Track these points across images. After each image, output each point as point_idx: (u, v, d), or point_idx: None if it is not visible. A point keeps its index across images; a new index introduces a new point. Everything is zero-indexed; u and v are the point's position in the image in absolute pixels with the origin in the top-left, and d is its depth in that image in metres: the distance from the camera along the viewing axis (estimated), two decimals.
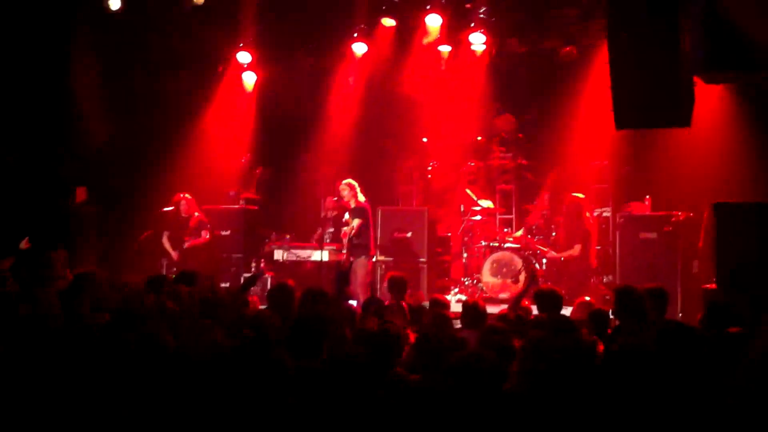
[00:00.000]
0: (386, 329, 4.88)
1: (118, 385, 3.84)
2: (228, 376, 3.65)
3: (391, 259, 11.16)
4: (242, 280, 7.62)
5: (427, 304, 7.38)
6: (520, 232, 11.09)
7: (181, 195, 10.90)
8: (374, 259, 10.88)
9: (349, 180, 10.39)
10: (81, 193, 11.33)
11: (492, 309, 7.74)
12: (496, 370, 3.83)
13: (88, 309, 6.39)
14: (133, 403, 3.73)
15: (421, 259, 11.14)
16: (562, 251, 10.55)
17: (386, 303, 6.98)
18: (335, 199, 10.60)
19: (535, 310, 6.74)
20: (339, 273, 9.65)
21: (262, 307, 7.22)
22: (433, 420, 3.47)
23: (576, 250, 9.79)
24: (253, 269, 11.14)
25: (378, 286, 10.35)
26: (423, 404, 3.53)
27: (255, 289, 10.78)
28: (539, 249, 10.58)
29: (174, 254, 10.62)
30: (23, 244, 8.29)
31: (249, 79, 12.77)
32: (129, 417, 3.66)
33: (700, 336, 4.41)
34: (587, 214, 10.58)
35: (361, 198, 10.25)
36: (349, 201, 10.24)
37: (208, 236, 10.74)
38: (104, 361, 4.09)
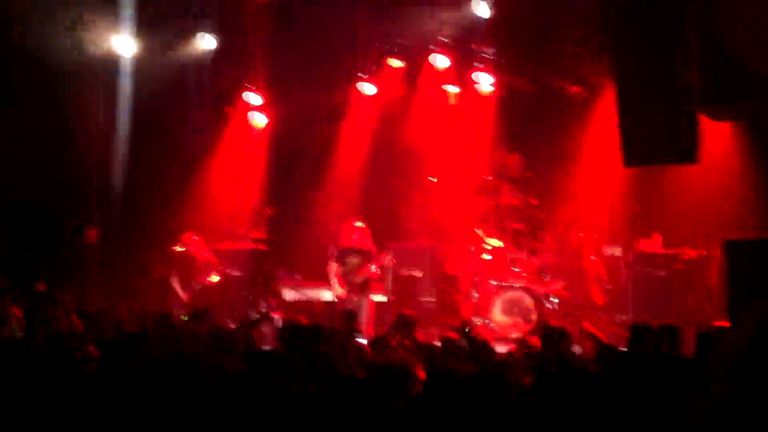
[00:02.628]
0: (389, 363, 4.87)
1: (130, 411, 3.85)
2: (237, 400, 3.65)
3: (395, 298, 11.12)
4: (249, 320, 7.61)
5: (438, 343, 7.32)
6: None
7: (190, 236, 10.91)
8: (384, 299, 10.88)
9: (360, 223, 10.47)
10: (92, 234, 11.36)
11: (503, 348, 7.69)
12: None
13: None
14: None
15: (430, 299, 11.09)
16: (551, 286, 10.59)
17: (394, 342, 6.94)
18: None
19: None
20: (346, 312, 9.62)
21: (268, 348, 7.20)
22: None
23: (558, 286, 9.90)
24: (264, 308, 11.08)
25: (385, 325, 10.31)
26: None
27: (265, 329, 10.76)
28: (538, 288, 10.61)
29: (184, 295, 10.59)
30: (39, 287, 8.28)
31: (258, 120, 12.88)
32: None
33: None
34: (592, 256, 10.52)
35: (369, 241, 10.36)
36: (356, 243, 10.29)
37: (218, 278, 10.72)
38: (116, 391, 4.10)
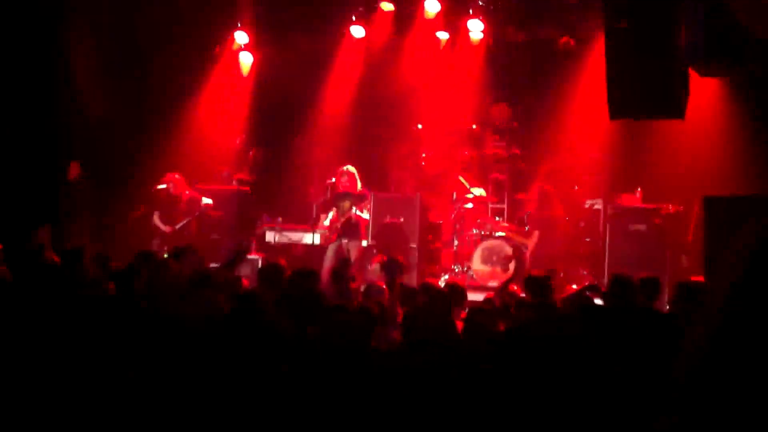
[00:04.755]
0: (364, 308, 4.95)
1: (120, 353, 3.90)
2: (225, 341, 3.70)
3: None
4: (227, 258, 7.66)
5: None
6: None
7: (171, 175, 10.93)
8: (365, 244, 10.98)
9: (350, 167, 10.58)
10: (75, 168, 11.26)
11: (480, 296, 7.80)
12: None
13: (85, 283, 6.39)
14: (132, 369, 3.78)
15: (412, 245, 11.16)
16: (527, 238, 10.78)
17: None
18: (332, 180, 10.69)
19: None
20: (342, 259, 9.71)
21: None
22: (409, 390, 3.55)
23: (535, 236, 10.18)
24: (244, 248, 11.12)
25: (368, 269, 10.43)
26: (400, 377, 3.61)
27: (245, 272, 10.83)
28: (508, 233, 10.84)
29: (166, 228, 10.67)
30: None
31: (245, 60, 12.74)
32: (127, 385, 3.70)
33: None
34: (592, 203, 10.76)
35: (359, 186, 10.48)
36: (348, 188, 10.44)
37: (210, 202, 10.86)
38: (109, 329, 4.14)
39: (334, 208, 10.48)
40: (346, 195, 10.40)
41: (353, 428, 3.41)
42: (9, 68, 10.49)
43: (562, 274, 10.13)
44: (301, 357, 3.79)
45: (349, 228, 10.29)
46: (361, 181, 10.58)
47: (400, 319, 5.46)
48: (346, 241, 10.23)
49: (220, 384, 3.64)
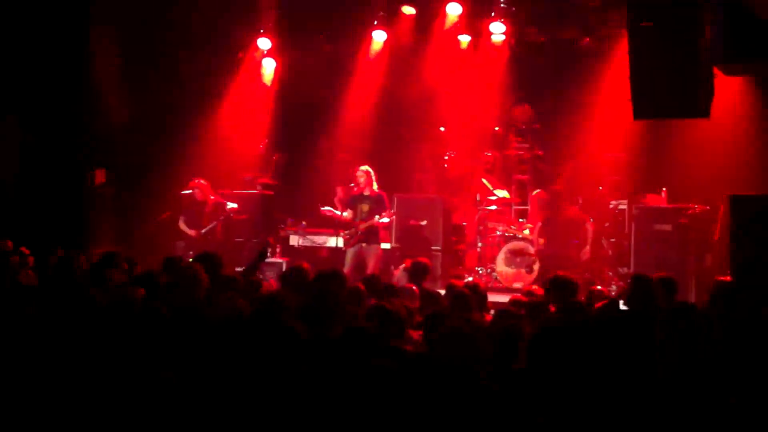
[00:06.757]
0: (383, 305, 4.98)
1: (150, 349, 3.98)
2: (244, 341, 3.74)
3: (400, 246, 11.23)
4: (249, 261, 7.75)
5: (443, 291, 7.43)
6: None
7: (197, 181, 11.02)
8: (388, 247, 10.99)
9: (366, 167, 10.52)
10: (100, 175, 11.40)
11: (505, 298, 7.79)
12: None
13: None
14: (153, 364, 3.83)
15: (436, 247, 11.18)
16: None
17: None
18: (351, 185, 10.69)
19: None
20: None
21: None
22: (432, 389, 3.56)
23: (535, 233, 10.36)
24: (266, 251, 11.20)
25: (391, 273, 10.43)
26: (423, 374, 3.63)
27: (270, 274, 10.90)
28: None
29: (192, 232, 10.77)
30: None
31: (268, 67, 12.81)
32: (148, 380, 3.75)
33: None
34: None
35: (375, 186, 10.41)
36: (364, 188, 10.37)
37: (235, 206, 10.95)
38: (141, 329, 4.21)
39: (350, 210, 10.45)
40: (363, 197, 10.36)
41: (374, 429, 3.43)
42: (35, 76, 10.63)
43: (586, 274, 10.12)
44: (318, 358, 3.82)
45: (368, 232, 10.24)
46: (377, 182, 10.50)
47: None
48: (365, 245, 10.20)
49: (237, 385, 3.68)
